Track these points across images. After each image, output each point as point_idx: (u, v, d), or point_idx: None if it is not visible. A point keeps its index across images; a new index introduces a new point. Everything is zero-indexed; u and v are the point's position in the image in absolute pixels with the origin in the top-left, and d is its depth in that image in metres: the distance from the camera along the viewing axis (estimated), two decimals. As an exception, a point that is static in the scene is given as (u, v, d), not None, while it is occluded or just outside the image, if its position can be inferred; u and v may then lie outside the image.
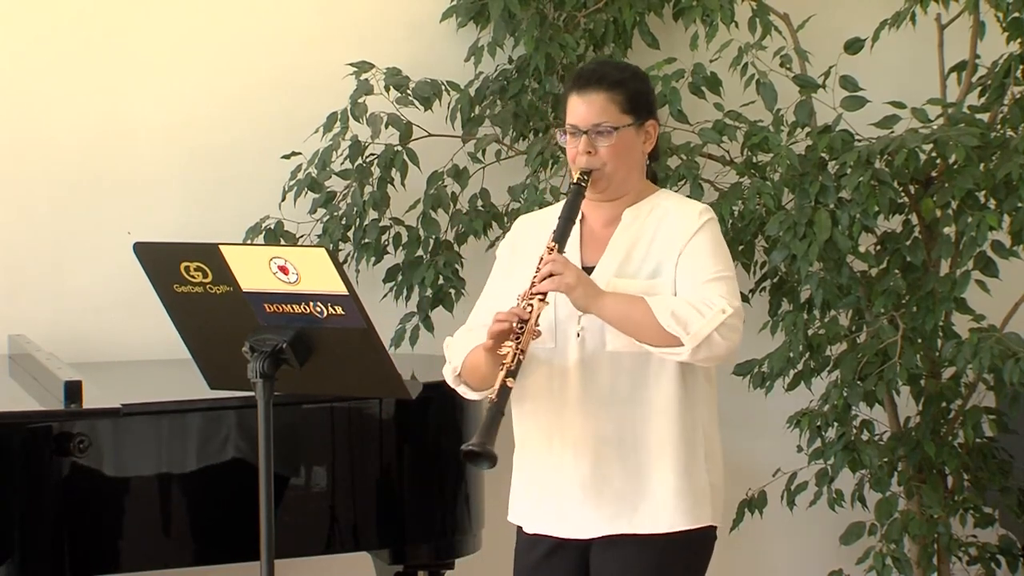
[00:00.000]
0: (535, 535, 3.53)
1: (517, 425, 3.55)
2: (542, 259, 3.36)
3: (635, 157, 3.49)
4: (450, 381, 3.54)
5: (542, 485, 3.51)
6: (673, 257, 3.42)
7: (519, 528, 3.58)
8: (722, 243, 3.48)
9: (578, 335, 3.43)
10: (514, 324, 3.30)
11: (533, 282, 3.34)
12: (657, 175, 3.63)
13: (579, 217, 3.49)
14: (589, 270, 3.46)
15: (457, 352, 3.51)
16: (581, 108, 3.45)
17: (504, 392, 3.28)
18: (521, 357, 3.30)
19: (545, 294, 3.33)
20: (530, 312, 3.31)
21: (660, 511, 3.42)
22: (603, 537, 3.45)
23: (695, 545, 3.48)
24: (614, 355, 3.41)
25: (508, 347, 3.30)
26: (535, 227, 3.57)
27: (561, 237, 3.40)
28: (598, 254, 3.49)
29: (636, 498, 3.42)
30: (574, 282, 3.33)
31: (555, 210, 3.50)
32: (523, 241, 3.57)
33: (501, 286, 3.55)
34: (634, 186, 3.51)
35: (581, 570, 3.49)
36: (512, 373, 3.28)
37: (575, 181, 3.45)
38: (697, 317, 3.32)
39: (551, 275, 3.32)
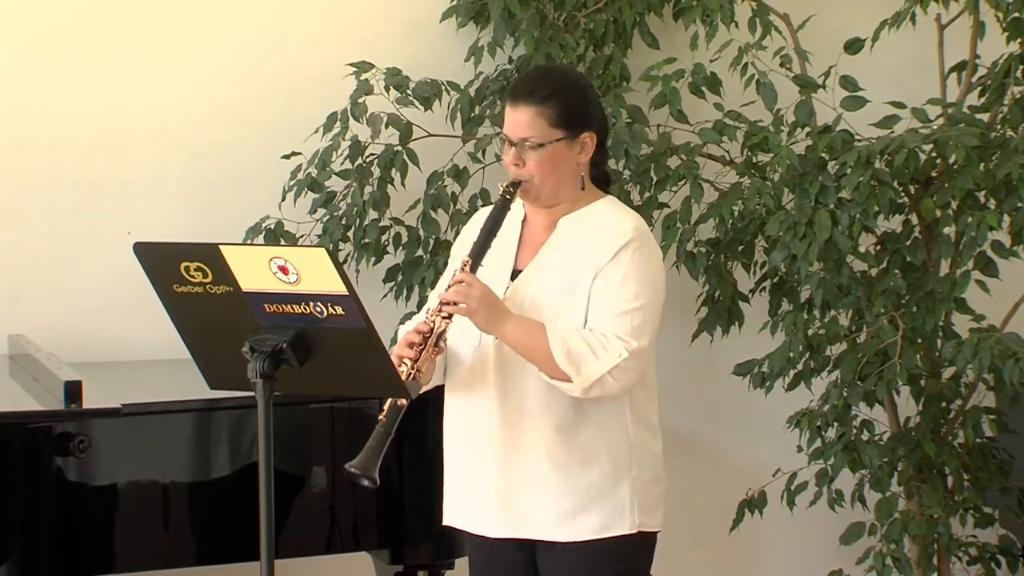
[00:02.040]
0: (465, 532, 3.57)
1: (445, 422, 3.58)
2: (455, 274, 3.37)
3: (567, 169, 3.45)
4: None
5: (460, 483, 3.54)
6: (589, 277, 3.40)
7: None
8: (646, 266, 3.42)
9: (496, 338, 3.43)
10: (416, 340, 3.33)
11: (440, 298, 3.36)
12: (609, 177, 3.61)
13: (522, 218, 3.53)
14: (517, 272, 3.48)
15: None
16: (511, 120, 3.45)
17: (393, 412, 3.29)
18: (416, 375, 3.31)
19: (450, 314, 3.35)
20: (431, 329, 3.33)
21: (573, 520, 3.41)
22: (536, 540, 3.46)
23: (622, 552, 3.45)
24: (527, 361, 3.40)
25: (404, 366, 3.31)
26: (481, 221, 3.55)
27: (478, 253, 3.40)
28: (530, 259, 3.49)
29: (550, 505, 3.42)
30: (475, 306, 3.33)
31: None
32: (470, 235, 3.53)
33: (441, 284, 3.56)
34: (567, 196, 3.48)
35: (523, 566, 3.50)
36: None
37: (501, 192, 3.45)
38: (591, 358, 3.32)
39: (457, 295, 3.33)
